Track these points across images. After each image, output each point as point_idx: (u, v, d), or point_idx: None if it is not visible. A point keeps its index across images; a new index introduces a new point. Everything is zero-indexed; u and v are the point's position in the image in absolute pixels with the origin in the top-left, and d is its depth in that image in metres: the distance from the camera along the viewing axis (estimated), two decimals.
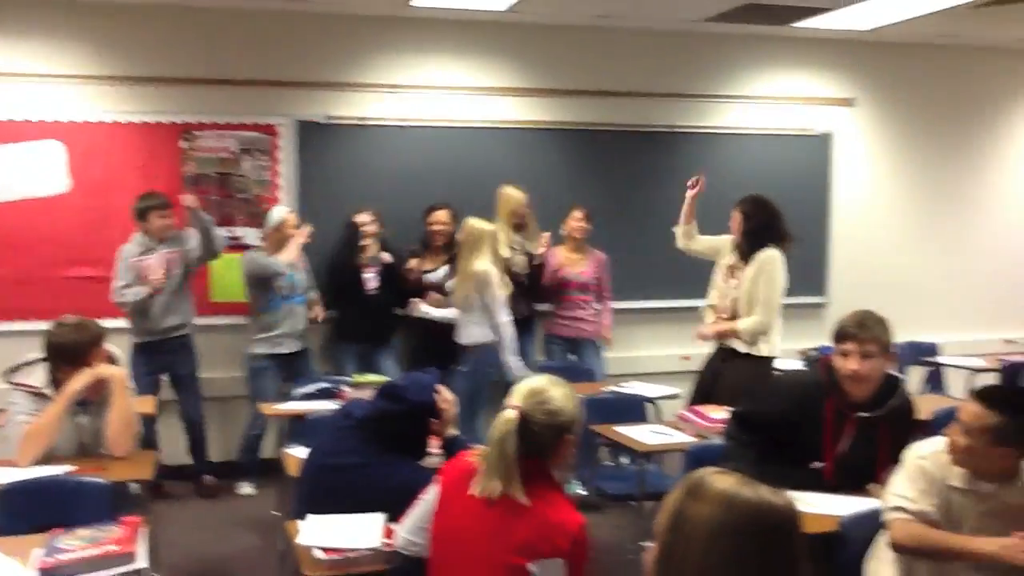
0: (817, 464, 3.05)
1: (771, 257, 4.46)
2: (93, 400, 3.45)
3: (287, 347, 5.30)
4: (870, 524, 2.61)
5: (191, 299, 5.33)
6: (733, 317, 4.53)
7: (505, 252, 5.29)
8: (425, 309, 5.20)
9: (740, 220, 4.53)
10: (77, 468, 3.22)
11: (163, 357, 5.20)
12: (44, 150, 5.37)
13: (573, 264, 5.70)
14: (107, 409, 3.43)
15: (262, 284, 5.26)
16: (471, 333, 4.97)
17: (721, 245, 4.74)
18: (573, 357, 5.76)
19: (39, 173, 5.37)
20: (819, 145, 6.67)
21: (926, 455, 2.54)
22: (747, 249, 4.51)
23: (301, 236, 5.33)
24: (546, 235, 5.62)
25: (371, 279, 5.47)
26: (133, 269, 5.04)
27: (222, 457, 5.60)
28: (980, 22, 6.02)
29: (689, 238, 4.93)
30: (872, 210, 6.87)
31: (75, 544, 2.46)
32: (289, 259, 5.28)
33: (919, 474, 2.51)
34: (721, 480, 1.50)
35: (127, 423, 3.45)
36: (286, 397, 4.79)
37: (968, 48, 6.88)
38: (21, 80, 5.33)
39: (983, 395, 2.47)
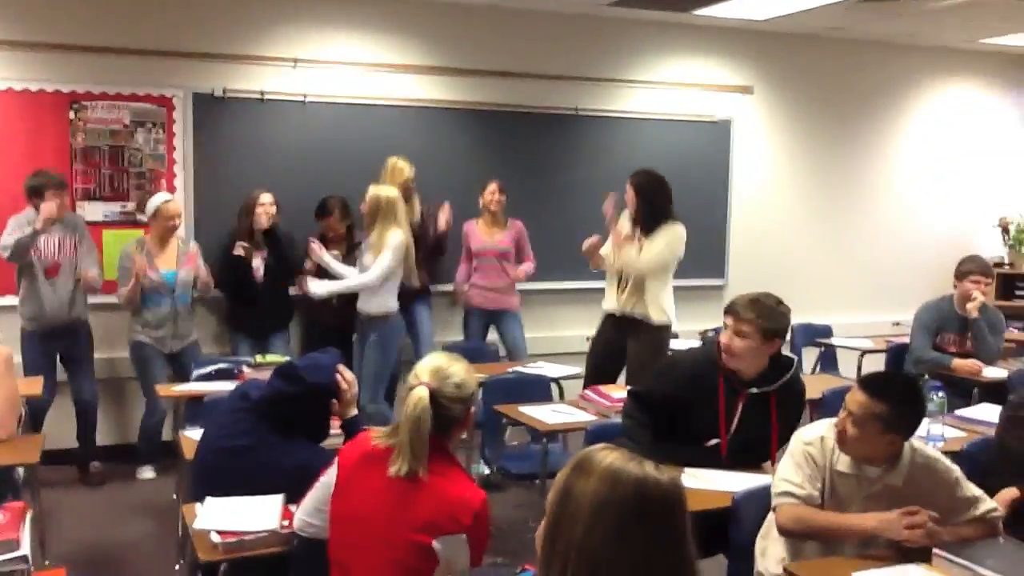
0: (713, 441, 3.14)
1: (678, 232, 4.67)
2: None
3: (170, 347, 5.14)
4: (763, 501, 2.69)
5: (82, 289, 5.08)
6: (640, 285, 4.67)
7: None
8: (316, 287, 5.00)
9: (634, 196, 4.68)
10: None
11: (57, 341, 4.99)
12: None
13: (491, 235, 5.73)
14: None
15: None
16: (379, 302, 4.92)
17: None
18: (493, 334, 5.78)
19: None
20: (719, 131, 6.83)
21: (811, 440, 2.60)
22: (651, 223, 4.66)
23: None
24: (446, 205, 5.61)
25: (259, 267, 5.35)
26: (22, 230, 4.76)
27: (115, 440, 5.42)
28: (868, 17, 6.27)
29: (595, 259, 4.89)
30: (769, 195, 7.09)
31: None
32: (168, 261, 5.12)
33: (805, 460, 2.58)
34: (607, 455, 1.52)
35: (12, 404, 3.32)
36: (181, 379, 4.66)
37: (858, 41, 7.14)
38: None
39: (869, 384, 2.54)
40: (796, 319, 6.13)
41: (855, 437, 2.51)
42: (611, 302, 4.81)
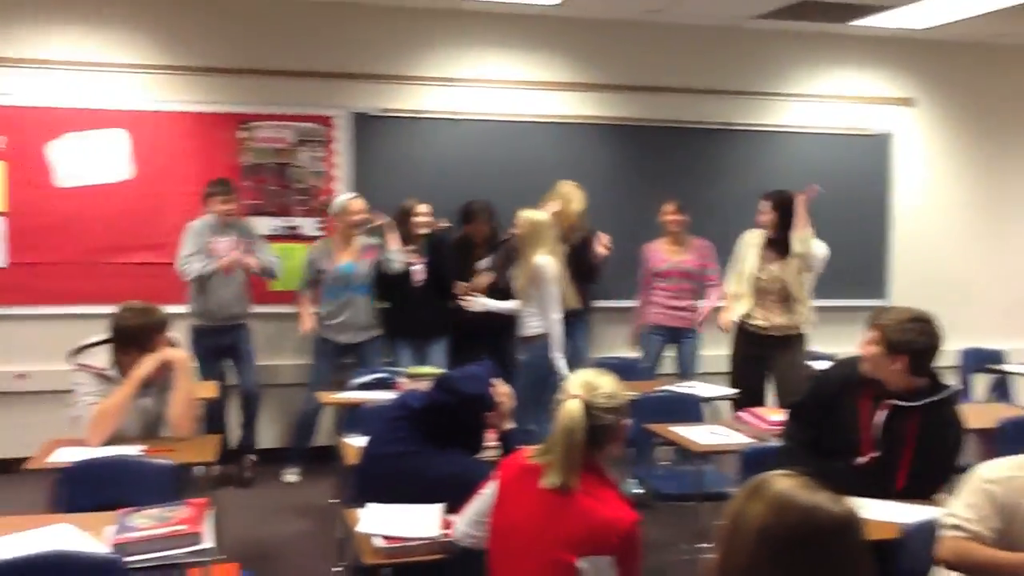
0: (860, 460, 3.03)
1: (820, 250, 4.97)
2: (155, 383, 3.53)
3: (346, 337, 5.37)
4: (933, 534, 2.57)
5: (249, 288, 5.41)
6: (783, 298, 4.94)
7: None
8: (484, 302, 5.13)
9: (776, 216, 4.94)
10: (148, 449, 3.30)
11: (222, 338, 5.30)
12: (110, 138, 5.49)
13: (674, 254, 5.68)
14: (168, 392, 3.52)
15: (317, 275, 5.36)
16: (531, 324, 4.97)
17: (745, 249, 5.12)
18: (671, 351, 5.75)
19: (105, 160, 5.49)
20: (878, 145, 6.58)
21: (996, 479, 2.40)
22: (786, 241, 4.91)
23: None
24: (600, 235, 5.58)
25: (418, 271, 5.50)
26: (200, 243, 5.14)
27: (268, 444, 5.68)
28: None
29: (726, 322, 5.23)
30: (934, 212, 6.76)
31: (145, 523, 2.51)
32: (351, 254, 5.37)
33: (985, 499, 2.38)
34: (781, 482, 1.50)
35: (190, 406, 3.53)
36: (341, 386, 4.85)
37: None
38: (89, 69, 5.46)
39: None
40: (965, 343, 5.95)
41: None
42: (753, 317, 4.94)
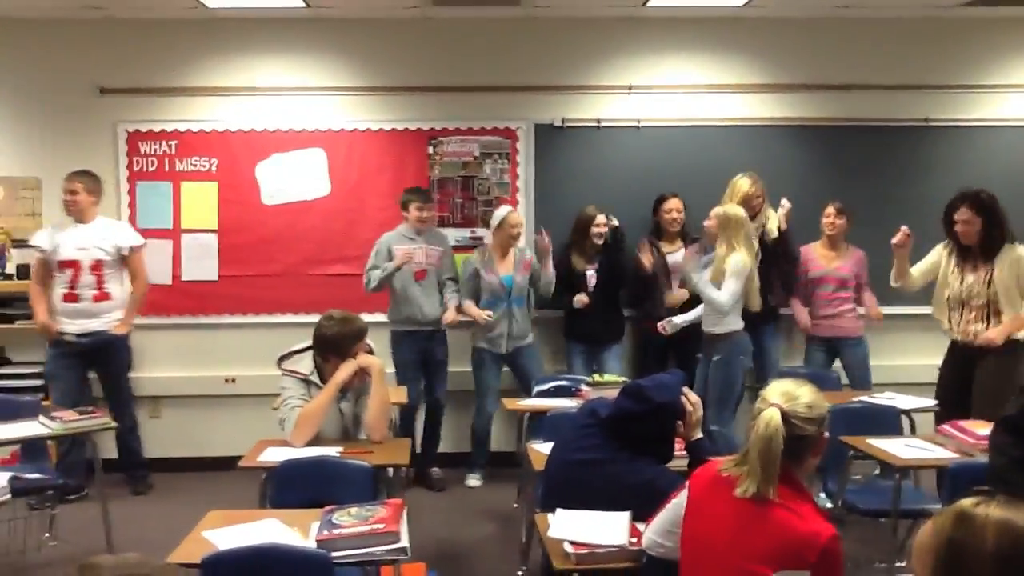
0: None
1: (1020, 254, 4.50)
2: (352, 388, 3.73)
3: (504, 347, 5.46)
4: None
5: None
6: (989, 312, 4.51)
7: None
8: (676, 323, 5.07)
9: (981, 222, 4.49)
10: (346, 450, 3.49)
11: (421, 344, 5.49)
12: (309, 157, 5.85)
13: (829, 260, 5.51)
14: (365, 396, 3.71)
15: (474, 286, 5.50)
16: (724, 321, 4.88)
17: (936, 260, 4.73)
18: (835, 363, 5.57)
19: (305, 178, 5.85)
20: None
21: None
22: (991, 247, 4.50)
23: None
24: (783, 207, 5.43)
25: (591, 276, 5.53)
26: (385, 252, 5.36)
27: (448, 449, 5.81)
28: None
29: (904, 281, 4.81)
30: None
31: (348, 520, 2.65)
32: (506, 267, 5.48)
33: None
34: (990, 508, 1.44)
35: (384, 410, 3.72)
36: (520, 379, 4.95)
37: None
38: (290, 94, 5.84)
39: None
40: None
41: None
42: (955, 330, 4.61)
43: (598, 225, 5.50)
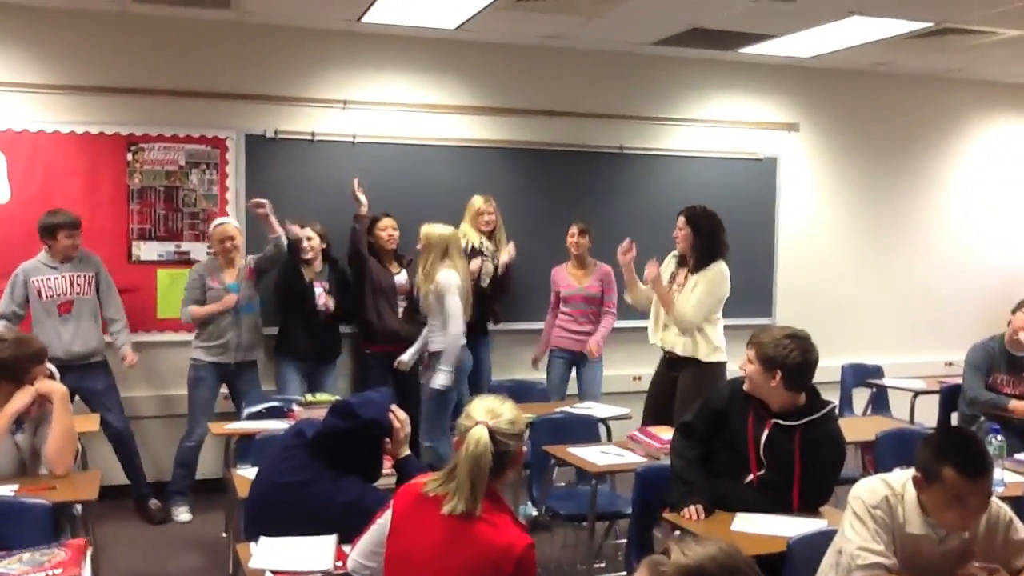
0: (749, 477, 3.13)
1: (720, 271, 4.72)
2: (30, 417, 3.36)
3: (230, 357, 5.20)
4: (819, 545, 2.65)
5: (99, 324, 5.11)
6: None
7: (472, 265, 5.37)
8: (407, 358, 5.15)
9: (690, 234, 4.72)
10: (22, 487, 3.15)
11: (70, 378, 4.56)
12: None
13: (579, 279, 5.73)
14: (44, 426, 3.36)
15: (201, 294, 5.20)
16: (436, 339, 4.94)
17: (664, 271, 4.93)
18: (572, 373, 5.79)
19: None
20: (765, 169, 6.81)
21: (877, 503, 2.49)
22: (700, 262, 4.72)
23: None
24: (511, 245, 5.70)
25: (320, 295, 5.42)
26: (20, 288, 4.89)
27: (157, 478, 5.44)
28: (914, 52, 6.24)
29: (634, 293, 5.02)
30: (817, 233, 7.02)
31: (17, 568, 2.39)
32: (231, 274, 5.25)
33: (880, 527, 2.46)
34: (675, 557, 1.55)
35: (69, 441, 3.38)
36: (234, 415, 4.71)
37: (904, 76, 7.09)
38: None
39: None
40: (846, 359, 6.19)
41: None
42: (656, 338, 4.86)
43: (309, 239, 5.40)
